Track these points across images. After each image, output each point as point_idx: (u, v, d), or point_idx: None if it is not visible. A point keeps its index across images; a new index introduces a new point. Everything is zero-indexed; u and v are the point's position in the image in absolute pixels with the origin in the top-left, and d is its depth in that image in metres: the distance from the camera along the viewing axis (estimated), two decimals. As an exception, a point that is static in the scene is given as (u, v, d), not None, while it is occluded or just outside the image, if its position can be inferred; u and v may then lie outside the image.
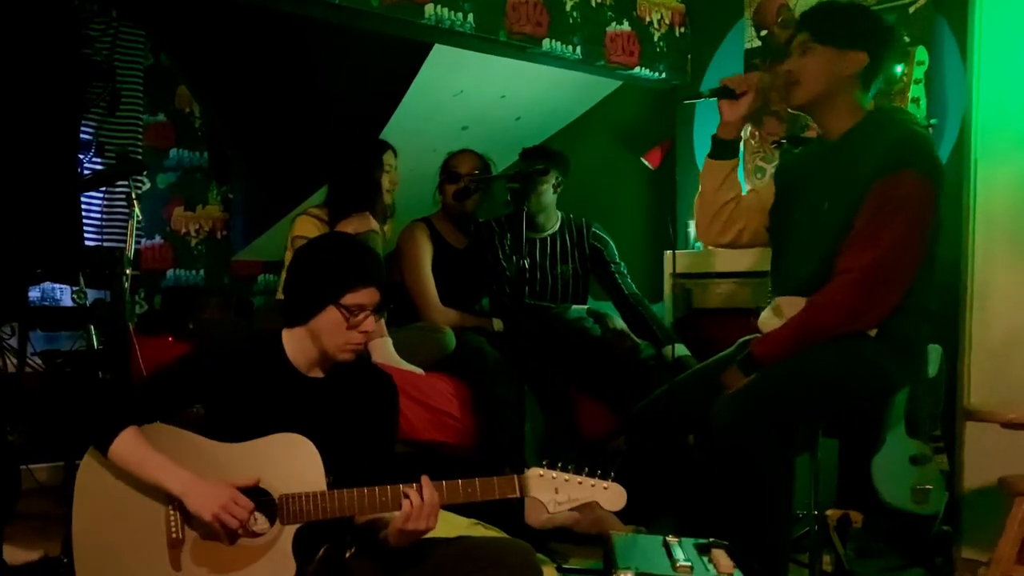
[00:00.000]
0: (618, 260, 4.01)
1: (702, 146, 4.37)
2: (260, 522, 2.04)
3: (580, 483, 2.08)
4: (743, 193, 2.90)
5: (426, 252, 3.84)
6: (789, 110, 2.75)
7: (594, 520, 3.32)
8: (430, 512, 2.02)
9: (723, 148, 2.82)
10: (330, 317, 2.12)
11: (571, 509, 2.11)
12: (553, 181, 3.84)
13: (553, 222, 3.95)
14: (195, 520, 2.02)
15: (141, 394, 2.13)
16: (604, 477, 2.10)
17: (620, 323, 3.85)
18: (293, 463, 2.06)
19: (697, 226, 2.94)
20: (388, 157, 3.67)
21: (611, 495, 2.09)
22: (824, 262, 2.55)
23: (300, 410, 2.14)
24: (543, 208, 3.86)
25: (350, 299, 2.12)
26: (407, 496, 2.02)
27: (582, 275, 3.99)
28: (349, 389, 2.23)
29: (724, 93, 2.74)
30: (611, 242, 4.02)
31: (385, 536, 2.10)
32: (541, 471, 2.08)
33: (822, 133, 2.71)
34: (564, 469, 2.09)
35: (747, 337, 2.80)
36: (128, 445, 2.02)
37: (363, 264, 2.16)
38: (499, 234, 3.85)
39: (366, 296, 2.14)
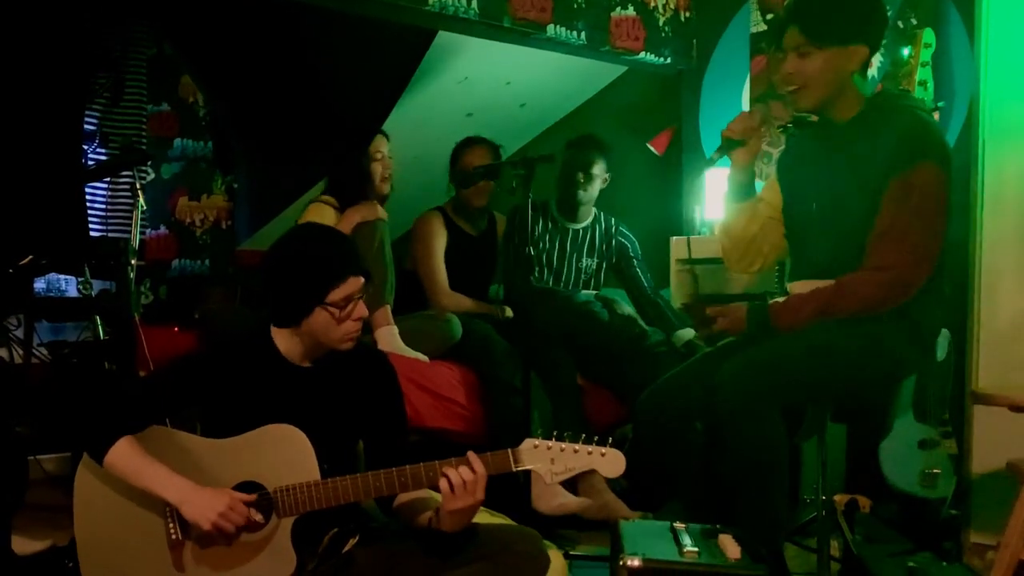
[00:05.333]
0: (640, 256, 4.04)
1: (708, 132, 4.35)
2: (257, 517, 2.03)
3: (576, 451, 2.04)
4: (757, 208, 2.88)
5: (440, 239, 3.85)
6: (793, 111, 2.72)
7: (600, 506, 3.32)
8: (473, 487, 2.01)
9: (742, 189, 2.80)
10: (321, 317, 2.11)
11: (575, 489, 2.09)
12: (604, 174, 3.87)
13: (588, 215, 3.97)
14: (192, 526, 2.02)
15: (134, 402, 2.12)
16: (601, 444, 2.06)
17: (628, 309, 3.85)
18: (285, 455, 2.06)
19: (727, 261, 2.92)
20: (377, 144, 3.62)
21: (609, 461, 2.05)
22: (841, 247, 2.55)
23: (294, 401, 2.14)
24: (589, 200, 3.89)
25: (335, 295, 2.10)
26: (446, 474, 2.01)
27: (603, 271, 4.03)
28: (342, 375, 2.22)
29: (730, 145, 2.72)
30: (635, 240, 4.06)
31: (430, 521, 2.11)
32: (536, 442, 2.05)
33: (824, 121, 2.69)
34: (560, 439, 2.05)
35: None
36: (123, 456, 2.02)
37: (339, 256, 2.13)
38: (533, 218, 3.82)
39: (350, 286, 2.11)
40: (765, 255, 2.86)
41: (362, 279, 2.14)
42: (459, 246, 3.89)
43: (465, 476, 2.01)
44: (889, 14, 3.66)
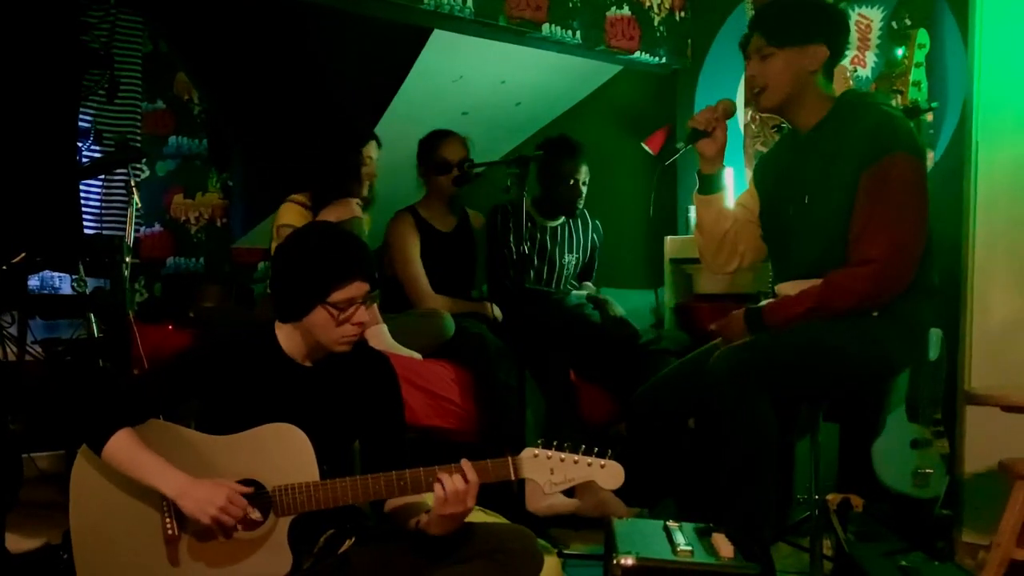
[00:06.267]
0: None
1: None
2: (255, 515, 2.03)
3: (576, 462, 2.05)
4: (731, 208, 2.91)
5: (414, 242, 3.83)
6: (759, 113, 2.76)
7: (597, 503, 3.33)
8: (464, 496, 2.01)
9: (710, 182, 2.84)
10: (320, 316, 2.10)
11: (568, 489, 2.09)
12: (586, 177, 3.91)
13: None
14: (190, 519, 2.02)
15: (135, 393, 2.12)
16: (601, 455, 2.06)
17: (619, 309, 3.87)
18: (285, 454, 2.06)
19: (703, 259, 2.96)
20: (369, 148, 3.62)
21: (608, 473, 2.05)
22: (821, 248, 2.58)
23: (296, 400, 2.14)
24: (583, 204, 3.96)
25: (338, 296, 2.09)
26: (440, 481, 2.01)
27: (584, 265, 4.06)
28: (345, 375, 2.22)
29: (696, 136, 2.75)
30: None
31: (419, 523, 2.11)
32: (536, 451, 2.05)
33: (794, 128, 2.72)
34: (560, 449, 2.05)
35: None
36: (122, 446, 2.01)
37: (346, 257, 2.12)
38: (513, 217, 3.84)
39: (354, 289, 2.11)
40: (741, 255, 2.88)
41: (367, 286, 2.13)
42: (433, 244, 3.88)
43: (458, 485, 2.01)
44: (883, 14, 3.72)
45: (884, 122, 2.54)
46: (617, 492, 3.34)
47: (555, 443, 2.07)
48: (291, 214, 3.50)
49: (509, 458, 2.06)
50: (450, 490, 2.00)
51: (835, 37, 2.64)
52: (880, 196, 2.48)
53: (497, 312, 3.80)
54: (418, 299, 3.78)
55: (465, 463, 2.04)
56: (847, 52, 3.28)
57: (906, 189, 2.49)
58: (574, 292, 3.95)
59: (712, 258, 2.90)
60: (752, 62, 2.65)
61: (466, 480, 2.02)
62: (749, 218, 2.84)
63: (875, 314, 2.54)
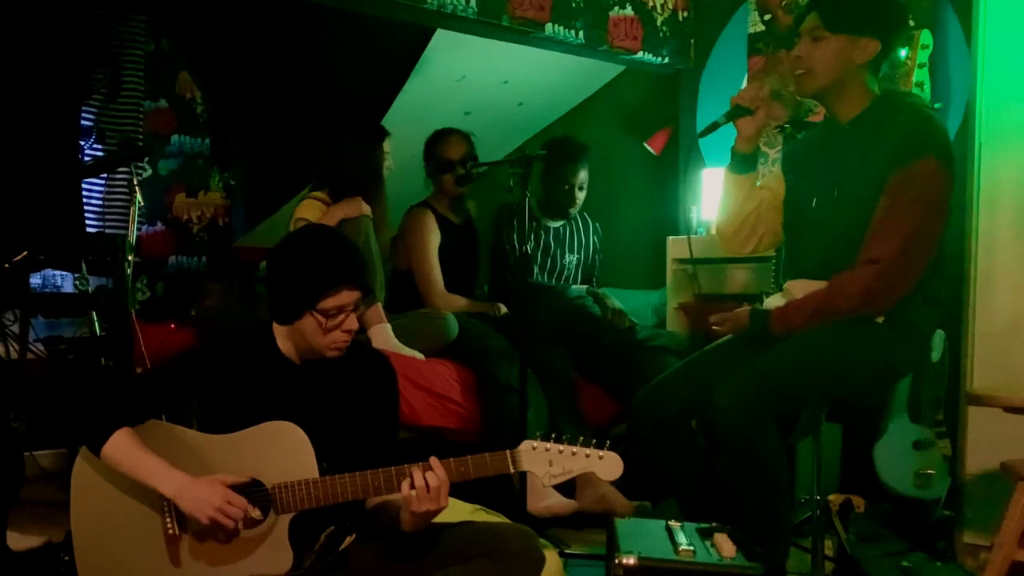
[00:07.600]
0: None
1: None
2: (255, 513, 2.03)
3: (574, 454, 2.04)
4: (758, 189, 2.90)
5: (433, 238, 3.85)
6: (797, 96, 2.73)
7: (598, 498, 3.32)
8: (437, 493, 2.00)
9: (744, 161, 2.80)
10: (310, 322, 2.10)
11: (568, 490, 2.08)
12: (584, 182, 3.94)
13: None
14: (190, 519, 2.02)
15: (133, 394, 2.12)
16: (599, 447, 2.05)
17: (617, 303, 3.89)
18: (284, 452, 2.06)
19: (721, 236, 2.93)
20: (387, 144, 3.68)
21: (606, 464, 2.04)
22: (839, 246, 2.56)
23: (293, 398, 2.14)
24: (577, 210, 4.00)
25: (327, 303, 2.08)
26: (410, 476, 2.01)
27: (586, 265, 4.09)
28: (343, 374, 2.21)
29: (738, 112, 2.72)
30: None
31: (398, 521, 2.10)
32: (534, 444, 2.04)
33: (831, 117, 2.70)
34: (558, 441, 2.05)
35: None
36: (120, 447, 2.01)
37: (336, 265, 2.10)
38: (519, 216, 3.84)
39: (343, 297, 2.09)
40: (760, 236, 2.85)
41: (358, 292, 2.12)
42: (448, 239, 3.90)
43: (430, 481, 2.00)
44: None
45: (921, 123, 2.52)
46: (618, 488, 3.35)
47: (553, 436, 2.06)
48: (309, 209, 3.52)
49: (507, 452, 2.05)
50: (419, 486, 1.99)
51: (891, 35, 2.61)
52: (901, 197, 2.46)
53: (502, 309, 3.80)
54: (430, 295, 3.79)
55: (433, 461, 2.03)
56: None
57: (928, 194, 2.48)
58: (574, 286, 3.98)
59: (731, 236, 2.87)
60: (802, 43, 2.60)
61: (437, 477, 2.00)
62: (774, 202, 2.82)
63: (879, 320, 2.53)
